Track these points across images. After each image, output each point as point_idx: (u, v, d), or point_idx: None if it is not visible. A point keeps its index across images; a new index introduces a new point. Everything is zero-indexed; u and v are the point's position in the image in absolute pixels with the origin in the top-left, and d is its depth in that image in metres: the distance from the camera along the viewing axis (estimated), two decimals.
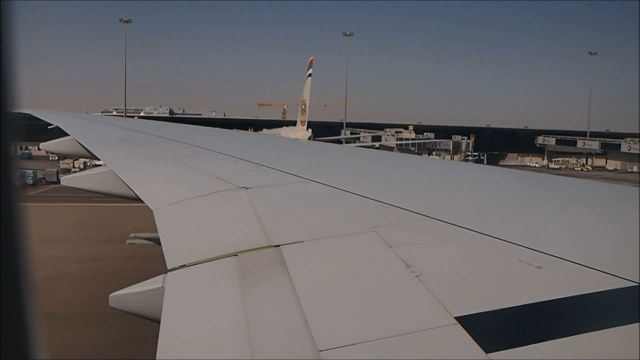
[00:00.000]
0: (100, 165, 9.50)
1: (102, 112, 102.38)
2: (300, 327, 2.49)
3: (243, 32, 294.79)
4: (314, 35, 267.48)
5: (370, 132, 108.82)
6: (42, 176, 57.52)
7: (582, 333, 2.32)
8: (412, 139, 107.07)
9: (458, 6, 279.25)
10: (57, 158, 68.55)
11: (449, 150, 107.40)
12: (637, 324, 2.33)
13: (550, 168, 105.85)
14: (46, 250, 25.07)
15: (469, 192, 5.80)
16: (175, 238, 4.44)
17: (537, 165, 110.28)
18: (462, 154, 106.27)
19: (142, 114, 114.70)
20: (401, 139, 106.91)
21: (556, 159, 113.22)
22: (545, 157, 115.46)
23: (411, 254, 3.32)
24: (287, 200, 5.27)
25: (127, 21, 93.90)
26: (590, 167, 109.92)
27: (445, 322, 2.42)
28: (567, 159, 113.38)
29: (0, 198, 1.19)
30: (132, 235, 30.25)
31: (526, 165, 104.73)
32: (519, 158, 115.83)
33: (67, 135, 13.41)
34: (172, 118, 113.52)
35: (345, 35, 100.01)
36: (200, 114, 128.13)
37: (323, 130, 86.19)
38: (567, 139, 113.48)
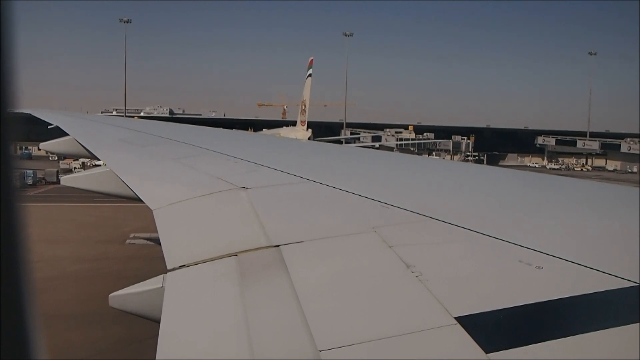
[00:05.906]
0: (100, 165, 9.50)
1: (102, 112, 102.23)
2: (300, 327, 2.49)
3: (243, 32, 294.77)
4: (314, 35, 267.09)
5: (370, 132, 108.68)
6: (42, 176, 57.49)
7: (582, 333, 2.32)
8: (412, 139, 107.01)
9: (458, 6, 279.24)
10: (57, 158, 68.57)
11: (449, 151, 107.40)
12: (637, 324, 2.33)
13: (550, 168, 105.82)
14: (46, 250, 25.07)
15: (469, 192, 5.80)
16: (175, 238, 4.44)
17: (537, 165, 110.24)
18: (462, 154, 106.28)
19: (142, 114, 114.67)
20: (401, 139, 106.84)
21: (556, 160, 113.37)
22: (545, 157, 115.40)
23: (411, 254, 3.32)
24: (287, 200, 5.26)
25: (127, 21, 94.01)
26: (590, 168, 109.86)
27: (445, 322, 2.42)
28: (566, 159, 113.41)
29: (0, 198, 1.19)
30: (132, 235, 30.25)
31: (526, 166, 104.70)
32: (519, 158, 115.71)
33: (67, 135, 13.41)
34: (172, 118, 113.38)
35: (345, 35, 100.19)
36: (200, 114, 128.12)
37: (323, 130, 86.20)
38: (567, 139, 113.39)
